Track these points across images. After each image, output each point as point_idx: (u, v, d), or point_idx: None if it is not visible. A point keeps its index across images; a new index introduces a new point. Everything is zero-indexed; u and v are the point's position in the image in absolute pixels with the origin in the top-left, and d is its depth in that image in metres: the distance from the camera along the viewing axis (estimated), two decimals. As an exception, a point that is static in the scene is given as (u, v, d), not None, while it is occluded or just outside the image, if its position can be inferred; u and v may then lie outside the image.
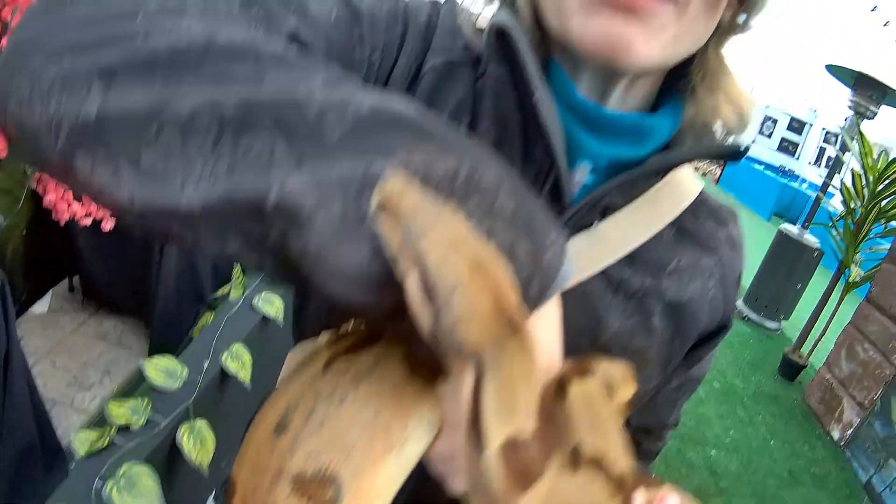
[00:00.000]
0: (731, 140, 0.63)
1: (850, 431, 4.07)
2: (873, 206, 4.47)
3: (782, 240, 5.63)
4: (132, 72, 0.36)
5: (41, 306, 3.02)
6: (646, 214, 0.64)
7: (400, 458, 0.36)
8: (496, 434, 0.28)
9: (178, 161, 0.34)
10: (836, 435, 4.17)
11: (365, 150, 0.34)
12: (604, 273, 0.62)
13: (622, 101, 0.60)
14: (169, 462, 1.41)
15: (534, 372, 0.31)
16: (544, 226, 0.36)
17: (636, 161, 0.60)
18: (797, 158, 15.00)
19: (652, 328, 0.65)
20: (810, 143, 14.93)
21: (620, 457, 0.32)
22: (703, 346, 0.72)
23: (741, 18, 0.60)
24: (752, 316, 5.82)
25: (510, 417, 0.29)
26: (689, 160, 0.61)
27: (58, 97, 0.35)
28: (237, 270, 2.03)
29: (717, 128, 0.62)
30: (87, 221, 2.24)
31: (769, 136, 15.00)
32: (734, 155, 0.61)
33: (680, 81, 0.63)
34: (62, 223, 2.23)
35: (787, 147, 15.04)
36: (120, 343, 2.98)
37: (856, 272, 4.58)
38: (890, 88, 4.73)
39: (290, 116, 0.34)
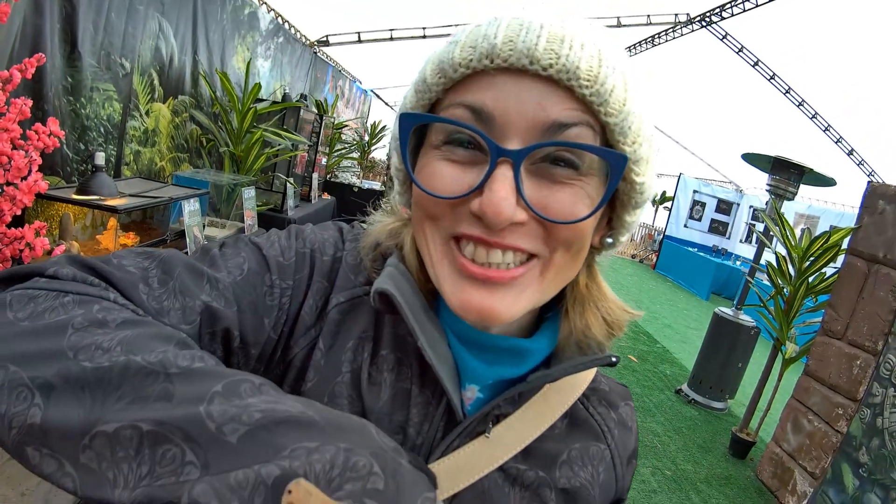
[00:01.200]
0: (606, 349, 0.72)
1: (805, 502, 4.11)
2: (801, 284, 4.69)
3: (719, 322, 5.82)
4: (66, 388, 0.46)
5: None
6: (537, 413, 0.72)
7: None
8: None
9: (108, 463, 0.43)
10: (791, 507, 4.20)
11: (258, 450, 0.42)
12: (501, 469, 0.70)
13: (506, 327, 0.70)
14: None
15: None
16: (413, 494, 0.43)
17: (520, 377, 0.69)
18: (728, 237, 15.61)
19: None
20: (739, 222, 15.58)
21: None
22: None
23: (609, 240, 0.71)
24: (698, 398, 5.92)
25: None
26: (568, 374, 0.70)
27: (7, 400, 0.46)
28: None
29: (591, 342, 0.71)
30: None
31: (699, 219, 15.60)
32: (608, 364, 0.70)
33: (558, 302, 0.73)
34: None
35: (718, 227, 15.65)
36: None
37: (791, 348, 4.73)
38: (807, 168, 4.99)
39: (196, 430, 0.43)
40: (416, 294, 0.68)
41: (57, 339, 0.49)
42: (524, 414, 0.71)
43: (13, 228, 1.99)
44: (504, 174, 0.56)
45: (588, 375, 0.77)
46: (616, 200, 0.65)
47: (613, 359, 0.69)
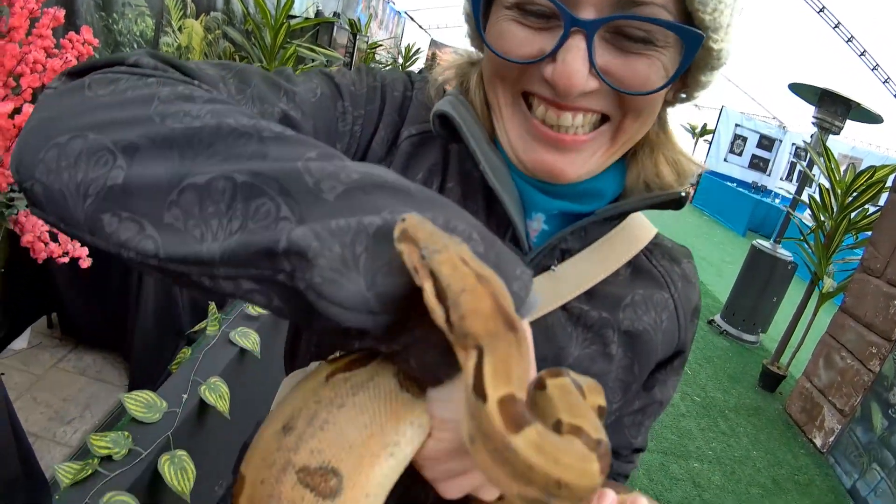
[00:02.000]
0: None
1: (832, 438, 4.13)
2: (843, 219, 4.58)
3: (756, 255, 5.74)
4: (153, 148, 0.42)
5: (20, 343, 3.01)
6: (602, 256, 0.71)
7: (394, 456, 0.41)
8: (494, 391, 0.34)
9: (196, 220, 0.40)
10: (818, 442, 4.23)
11: (355, 209, 0.40)
12: (564, 308, 0.69)
13: None
14: (151, 491, 1.42)
15: (525, 358, 0.38)
16: (511, 264, 0.42)
17: (586, 213, 0.68)
18: (769, 174, 15.23)
19: (610, 355, 0.71)
20: (780, 159, 15.16)
21: (597, 430, 0.38)
22: (662, 371, 0.79)
23: (683, 95, 0.68)
24: (731, 330, 5.90)
25: (506, 382, 0.35)
26: (634, 210, 0.69)
27: (85, 166, 0.42)
28: (212, 308, 2.05)
29: (660, 185, 0.69)
30: (65, 260, 2.25)
31: (740, 154, 15.22)
32: (676, 202, 0.68)
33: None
34: (39, 262, 2.23)
35: (758, 164, 15.27)
36: (99, 377, 2.97)
37: (829, 283, 4.66)
38: (854, 103, 4.83)
39: (293, 184, 0.40)
40: (478, 124, 0.66)
41: (142, 108, 0.45)
42: (590, 255, 0.70)
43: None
44: (577, 45, 0.55)
45: (651, 231, 0.76)
46: (692, 64, 0.62)
47: (682, 193, 0.67)
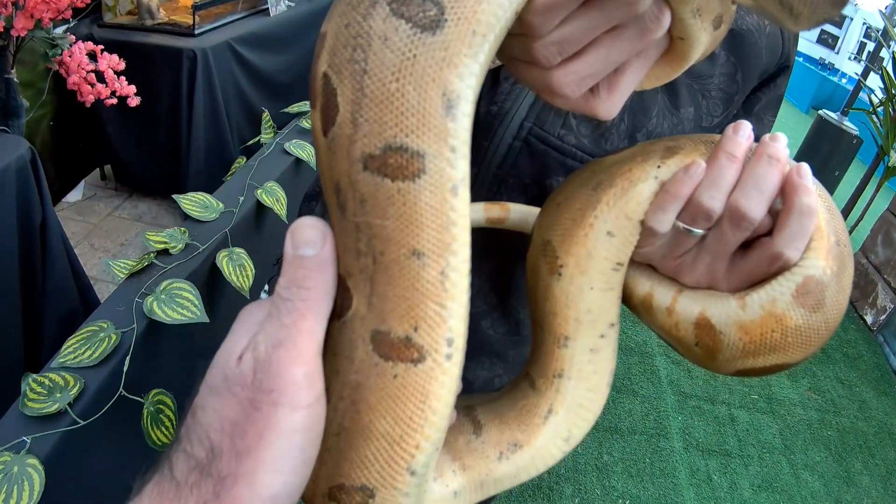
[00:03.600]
0: None
1: (883, 317, 4.06)
2: (915, 92, 4.33)
3: (821, 126, 5.50)
4: None
5: (75, 195, 3.06)
6: None
7: None
8: None
9: None
10: (868, 320, 4.17)
11: None
12: None
13: None
14: (210, 283, 1.43)
15: None
16: None
17: None
18: (837, 52, 14.37)
19: (714, 55, 0.66)
20: (850, 37, 14.28)
21: None
22: (765, 91, 0.74)
23: None
24: (788, 203, 5.74)
25: None
26: None
27: None
28: (266, 116, 2.01)
29: None
30: (113, 101, 2.23)
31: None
32: None
33: None
34: (88, 105, 2.22)
35: (827, 40, 14.41)
36: (156, 222, 3.03)
37: (895, 158, 4.46)
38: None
39: None
40: None
41: None
42: None
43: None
44: None
45: None
46: None
47: None
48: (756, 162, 0.43)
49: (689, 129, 0.71)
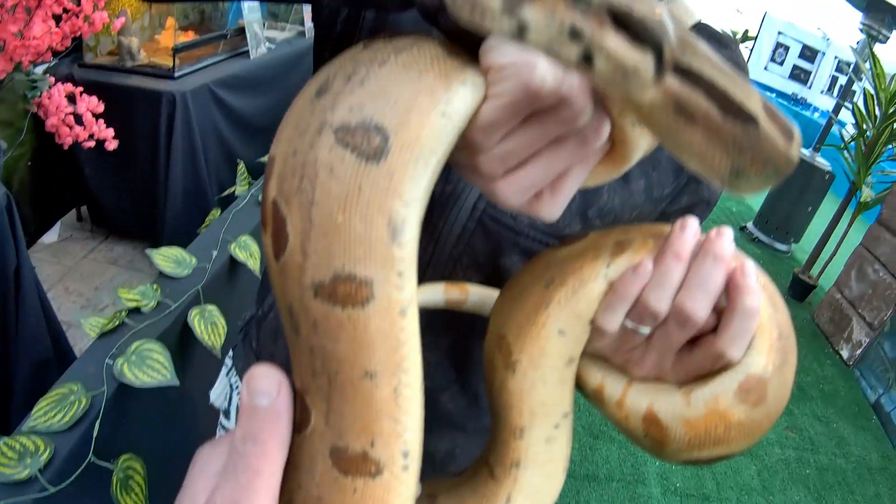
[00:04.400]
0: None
1: (859, 351, 4.12)
2: (885, 128, 4.43)
3: (793, 162, 5.59)
4: None
5: (51, 236, 3.04)
6: None
7: (446, 115, 0.35)
8: None
9: None
10: (844, 355, 4.22)
11: None
12: None
13: None
14: (181, 342, 1.42)
15: None
16: None
17: None
18: (809, 87, 14.65)
19: None
20: (823, 72, 14.60)
21: None
22: None
23: None
24: (762, 238, 5.84)
25: None
26: None
27: None
28: (241, 167, 2.02)
29: None
30: (91, 144, 2.23)
31: (781, 63, 14.67)
32: None
33: None
34: (66, 147, 2.22)
35: (799, 75, 14.70)
36: (131, 266, 3.01)
37: (867, 193, 4.55)
38: (903, 11, 4.65)
39: None
40: None
41: None
42: None
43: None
44: None
45: (695, 16, 0.73)
46: None
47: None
48: (702, 262, 0.44)
49: (640, 201, 0.73)
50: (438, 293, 0.66)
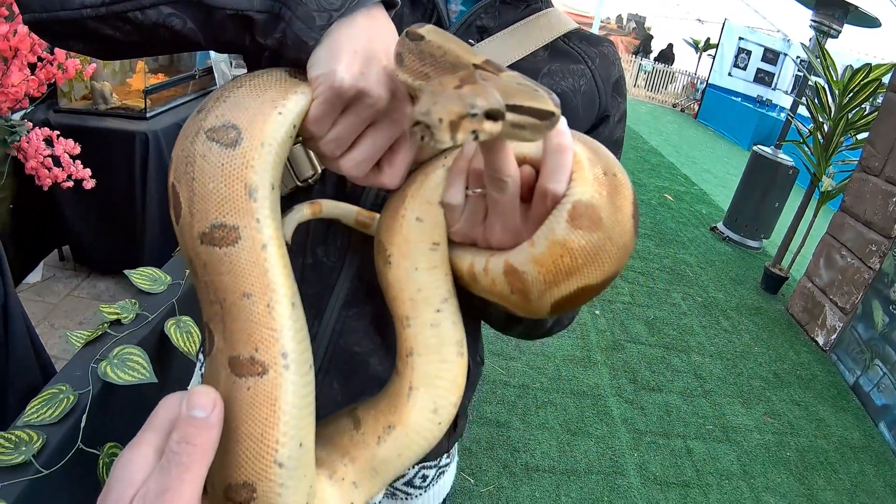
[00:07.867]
0: None
1: (833, 336, 4.22)
2: (840, 119, 4.58)
3: (757, 160, 5.76)
4: None
5: (34, 276, 3.10)
6: (519, 38, 0.79)
7: (283, 115, 0.52)
8: None
9: None
10: (820, 341, 4.32)
11: None
12: None
13: None
14: (159, 349, 1.52)
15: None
16: None
17: None
18: (773, 88, 14.96)
19: None
20: (786, 73, 14.90)
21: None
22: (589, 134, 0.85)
23: None
24: (733, 236, 5.97)
25: None
26: None
27: None
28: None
29: None
30: (69, 184, 2.32)
31: (744, 68, 14.96)
32: None
33: None
34: (45, 188, 2.31)
35: (763, 78, 15.01)
36: (114, 300, 3.06)
37: (828, 183, 4.69)
38: (851, 6, 4.81)
39: None
40: None
41: None
42: (507, 36, 0.78)
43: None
44: None
45: (571, 24, 0.83)
46: None
47: None
48: None
49: None
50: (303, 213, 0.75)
